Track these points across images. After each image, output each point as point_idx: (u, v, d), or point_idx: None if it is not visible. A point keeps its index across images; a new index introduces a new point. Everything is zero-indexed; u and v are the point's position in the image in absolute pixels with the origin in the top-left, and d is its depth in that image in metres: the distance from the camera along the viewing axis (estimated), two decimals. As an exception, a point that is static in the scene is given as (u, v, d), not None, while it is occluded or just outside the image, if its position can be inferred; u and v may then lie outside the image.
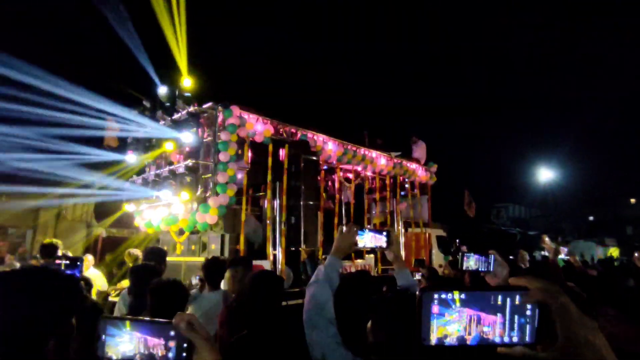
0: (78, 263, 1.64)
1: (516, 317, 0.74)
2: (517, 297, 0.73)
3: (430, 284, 4.29)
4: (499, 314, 0.73)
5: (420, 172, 10.05)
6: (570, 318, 0.69)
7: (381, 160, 8.75)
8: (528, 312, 0.74)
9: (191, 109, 5.87)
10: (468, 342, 0.73)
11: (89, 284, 3.00)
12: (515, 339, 0.74)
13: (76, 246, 9.77)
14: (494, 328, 0.73)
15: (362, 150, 8.30)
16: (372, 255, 8.38)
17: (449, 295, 0.73)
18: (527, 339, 0.74)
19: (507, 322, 0.73)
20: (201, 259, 5.57)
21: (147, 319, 0.86)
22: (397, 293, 1.68)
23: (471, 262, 1.84)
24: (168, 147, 5.95)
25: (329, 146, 7.53)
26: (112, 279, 7.92)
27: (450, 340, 0.73)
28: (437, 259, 10.17)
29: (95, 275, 6.64)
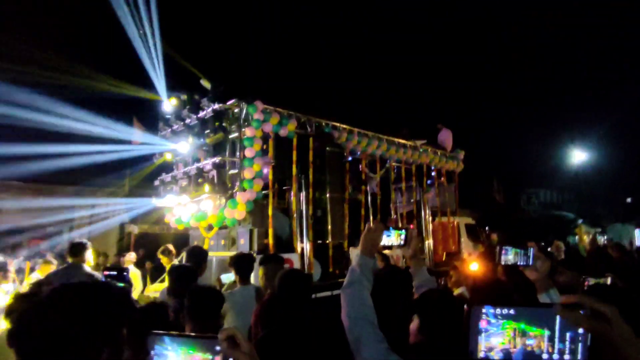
0: (125, 274, 1.70)
1: (567, 334, 0.73)
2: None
3: (462, 277, 4.23)
4: (546, 330, 0.73)
5: (447, 160, 9.85)
6: (622, 340, 0.68)
7: (406, 149, 8.63)
8: (580, 330, 0.73)
9: (216, 106, 5.93)
10: (513, 356, 0.73)
11: (130, 284, 3.09)
12: (566, 357, 0.73)
13: (110, 243, 10.12)
14: (540, 343, 0.73)
15: (387, 140, 8.20)
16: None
17: (497, 310, 0.73)
18: (579, 357, 0.73)
19: (556, 339, 0.73)
20: (230, 254, 5.69)
21: (194, 334, 0.89)
22: (442, 294, 1.65)
23: (510, 256, 1.78)
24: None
25: (354, 137, 7.47)
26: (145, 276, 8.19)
27: (496, 355, 0.73)
28: (466, 247, 10.01)
29: (134, 274, 6.88)
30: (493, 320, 0.74)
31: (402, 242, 2.05)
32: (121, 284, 1.67)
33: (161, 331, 0.90)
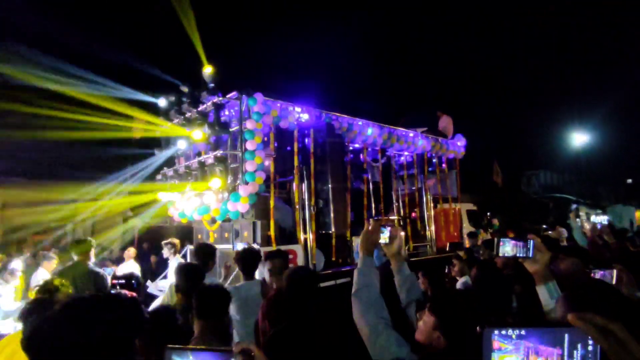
0: (133, 282, 1.71)
1: (575, 352, 0.74)
2: (576, 333, 0.74)
3: (465, 266, 4.28)
4: (557, 347, 0.75)
5: (448, 147, 9.85)
6: (630, 355, 0.68)
7: (408, 138, 8.63)
8: (590, 347, 0.74)
9: (216, 99, 5.90)
10: None
11: (138, 282, 3.13)
12: None
13: (114, 238, 10.18)
14: None
15: (388, 129, 8.19)
16: (402, 234, 8.37)
17: (509, 331, 0.75)
18: None
19: (565, 356, 0.75)
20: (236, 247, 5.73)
21: (209, 347, 0.91)
22: (456, 294, 1.67)
23: (507, 247, 1.75)
24: (196, 136, 6.01)
25: (354, 127, 7.46)
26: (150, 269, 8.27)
27: None
28: (469, 233, 10.06)
29: (133, 269, 6.95)
30: (506, 341, 0.75)
31: (387, 241, 2.06)
32: (131, 293, 1.68)
33: (177, 345, 0.91)
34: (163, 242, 6.43)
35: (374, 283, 1.80)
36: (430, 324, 1.60)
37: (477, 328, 0.76)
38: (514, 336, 0.76)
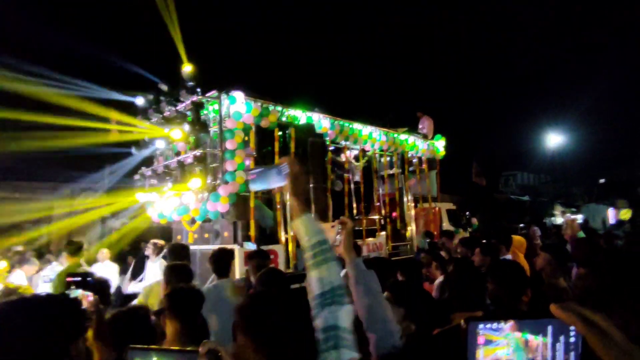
0: (89, 279, 1.67)
1: (558, 344, 0.74)
2: (560, 325, 0.74)
3: (431, 258, 4.38)
4: (541, 338, 0.74)
5: (428, 147, 9.98)
6: (614, 347, 0.66)
7: (387, 138, 8.70)
8: (572, 339, 0.74)
9: (195, 98, 5.84)
10: None
11: (106, 287, 3.06)
12: None
13: (92, 239, 9.95)
14: (538, 353, 0.75)
15: (368, 129, 8.23)
16: (383, 233, 8.44)
17: (494, 325, 0.75)
18: None
19: (548, 350, 0.75)
20: (215, 247, 5.67)
21: (174, 348, 0.89)
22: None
23: (260, 184, 1.50)
24: (175, 135, 5.91)
25: (336, 126, 7.47)
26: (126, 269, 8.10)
27: None
28: (448, 232, 10.20)
29: (110, 269, 6.82)
30: (494, 334, 0.75)
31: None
32: (86, 292, 1.63)
33: (140, 345, 0.89)
34: (151, 241, 6.31)
35: (379, 290, 1.63)
36: (399, 314, 1.66)
37: (462, 323, 0.75)
38: (500, 330, 0.75)
